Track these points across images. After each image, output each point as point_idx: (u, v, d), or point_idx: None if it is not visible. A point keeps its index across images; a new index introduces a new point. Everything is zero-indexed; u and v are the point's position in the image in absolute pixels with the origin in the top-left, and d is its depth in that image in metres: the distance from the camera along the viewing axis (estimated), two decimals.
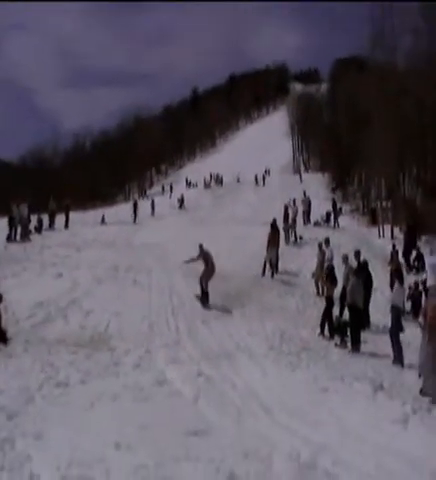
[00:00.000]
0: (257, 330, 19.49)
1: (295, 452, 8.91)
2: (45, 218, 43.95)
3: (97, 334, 18.36)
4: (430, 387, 12.86)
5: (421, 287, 24.52)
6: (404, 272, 26.07)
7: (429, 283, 20.38)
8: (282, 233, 34.64)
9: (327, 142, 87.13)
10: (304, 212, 46.46)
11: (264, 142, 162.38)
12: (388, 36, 48.52)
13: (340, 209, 52.69)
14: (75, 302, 22.13)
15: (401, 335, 17.33)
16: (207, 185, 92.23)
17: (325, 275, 21.88)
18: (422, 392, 13.00)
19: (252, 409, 11.56)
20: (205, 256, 23.59)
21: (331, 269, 21.85)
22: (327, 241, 27.14)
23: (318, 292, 25.95)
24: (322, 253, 26.60)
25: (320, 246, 27.17)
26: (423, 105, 47.21)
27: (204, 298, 22.75)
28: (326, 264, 23.86)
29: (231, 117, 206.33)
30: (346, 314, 19.98)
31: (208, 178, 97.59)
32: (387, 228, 44.56)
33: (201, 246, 23.91)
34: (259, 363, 15.48)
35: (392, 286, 21.05)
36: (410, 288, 24.65)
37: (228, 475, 8.13)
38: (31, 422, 10.34)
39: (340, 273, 22.41)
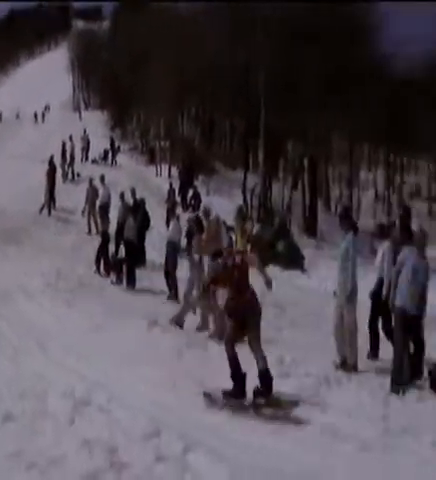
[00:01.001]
0: (34, 268, 19.25)
1: (70, 389, 8.92)
2: None
3: None
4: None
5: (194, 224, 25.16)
6: (180, 210, 26.67)
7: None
8: (60, 170, 34.32)
9: (107, 80, 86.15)
10: (83, 149, 46.05)
11: (45, 78, 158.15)
12: None
13: (118, 147, 52.91)
14: None
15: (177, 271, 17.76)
16: None
17: (99, 213, 21.97)
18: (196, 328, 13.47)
19: (29, 347, 11.45)
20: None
21: (105, 207, 21.95)
22: (102, 178, 27.04)
23: (89, 230, 25.94)
24: (93, 189, 26.51)
25: (90, 182, 27.03)
26: (202, 49, 48.22)
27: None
28: (99, 201, 23.95)
29: (11, 52, 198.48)
30: (122, 251, 20.18)
31: None
32: (165, 167, 45.34)
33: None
34: (36, 301, 15.37)
35: (168, 224, 21.52)
36: (189, 224, 25.15)
37: (4, 415, 7.98)
38: None
39: (116, 211, 22.56)
